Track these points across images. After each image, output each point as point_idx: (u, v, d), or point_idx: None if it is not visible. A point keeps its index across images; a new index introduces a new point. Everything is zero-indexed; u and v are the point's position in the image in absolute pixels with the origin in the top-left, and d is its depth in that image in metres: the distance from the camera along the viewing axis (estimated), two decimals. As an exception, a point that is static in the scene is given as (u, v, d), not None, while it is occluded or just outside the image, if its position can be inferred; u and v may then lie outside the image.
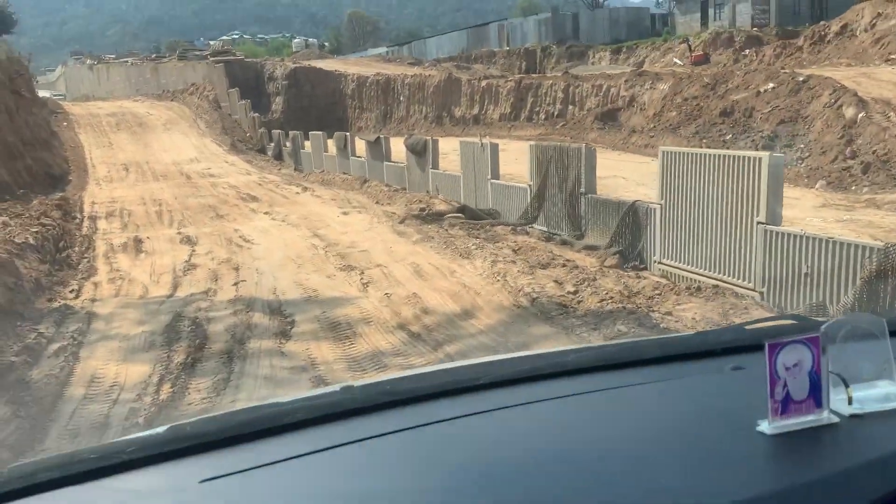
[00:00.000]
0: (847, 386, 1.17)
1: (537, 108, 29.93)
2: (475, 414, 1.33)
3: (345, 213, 15.44)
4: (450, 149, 18.82)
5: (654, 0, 66.80)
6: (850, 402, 1.17)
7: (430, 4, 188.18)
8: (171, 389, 5.42)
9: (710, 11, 48.60)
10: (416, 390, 1.45)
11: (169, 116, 38.49)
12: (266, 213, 16.34)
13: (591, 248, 10.95)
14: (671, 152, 9.92)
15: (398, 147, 21.43)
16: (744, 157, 8.71)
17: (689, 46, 39.77)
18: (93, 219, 16.65)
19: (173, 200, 19.23)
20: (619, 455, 1.17)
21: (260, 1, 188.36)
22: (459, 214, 13.65)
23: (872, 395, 1.19)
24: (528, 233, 12.45)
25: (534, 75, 35.22)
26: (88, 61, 65.97)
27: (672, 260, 9.65)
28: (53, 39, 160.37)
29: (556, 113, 28.82)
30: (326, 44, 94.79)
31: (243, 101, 37.70)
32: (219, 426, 1.36)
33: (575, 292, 6.94)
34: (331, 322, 7.07)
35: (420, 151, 18.44)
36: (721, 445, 1.16)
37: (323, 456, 1.21)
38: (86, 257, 11.63)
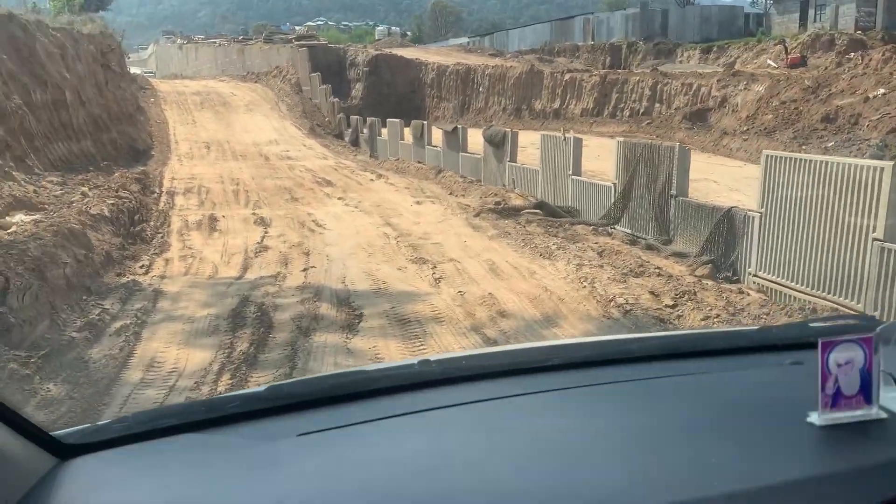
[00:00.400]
0: None
1: (622, 105, 28.91)
2: (542, 392, 1.41)
3: (418, 203, 15.07)
4: (528, 142, 18.24)
5: (750, -1, 64.07)
6: None
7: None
8: (231, 381, 5.11)
9: (811, 12, 46.16)
10: (488, 367, 1.54)
11: (252, 98, 39.03)
12: (340, 198, 16.15)
13: (679, 255, 10.23)
14: (776, 157, 9.10)
15: (475, 138, 20.96)
16: (861, 166, 7.86)
17: (786, 48, 37.87)
18: (171, 194, 16.82)
19: (251, 181, 19.30)
20: (675, 436, 1.24)
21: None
22: (537, 210, 13.06)
23: None
24: (610, 234, 11.79)
25: (620, 71, 34.11)
26: (178, 41, 67.91)
27: (770, 273, 8.86)
28: (148, 18, 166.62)
29: (641, 110, 27.77)
30: (409, 33, 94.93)
31: (324, 86, 37.87)
32: (312, 388, 1.50)
33: (674, 306, 6.29)
34: (400, 318, 6.65)
35: (498, 143, 17.92)
36: (772, 433, 1.22)
37: (403, 420, 1.33)
38: (160, 232, 11.60)
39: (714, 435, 1.24)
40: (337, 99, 36.75)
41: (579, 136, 17.21)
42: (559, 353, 1.64)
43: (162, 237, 11.25)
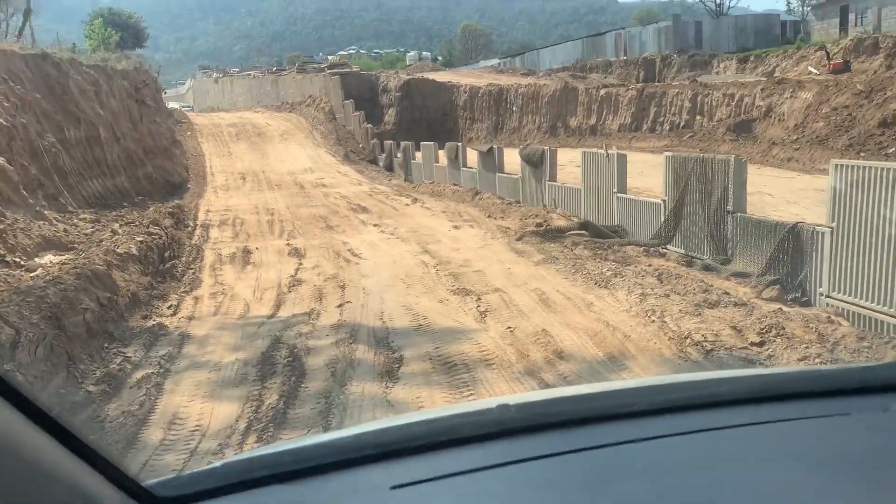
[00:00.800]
0: None
1: (661, 119, 28.13)
2: (631, 442, 1.34)
3: (456, 227, 14.51)
4: (566, 160, 17.64)
5: (785, 6, 62.76)
6: None
7: (542, 17, 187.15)
8: (257, 444, 4.54)
9: (851, 16, 44.99)
10: (572, 413, 1.46)
11: (286, 127, 39.17)
12: (375, 225, 15.68)
13: (741, 276, 9.47)
14: (847, 166, 8.32)
15: (511, 158, 20.45)
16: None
17: (827, 53, 36.76)
18: (205, 227, 16.54)
19: (285, 210, 19.01)
20: (791, 491, 1.16)
21: (376, 17, 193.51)
22: (582, 231, 12.39)
23: None
24: (663, 255, 11.06)
25: (657, 83, 33.32)
26: (214, 75, 69.08)
27: (846, 294, 8.05)
28: (185, 54, 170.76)
29: (681, 123, 26.96)
30: (440, 57, 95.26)
31: (357, 113, 37.83)
32: (397, 436, 1.41)
33: (761, 343, 5.52)
34: (445, 361, 6.01)
35: (536, 162, 17.34)
36: (891, 486, 1.14)
37: (496, 472, 1.27)
38: (192, 268, 11.21)
39: (834, 488, 1.15)
40: (370, 125, 36.64)
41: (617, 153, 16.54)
42: (644, 396, 1.53)
43: (193, 273, 10.85)
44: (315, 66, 53.87)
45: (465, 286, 8.71)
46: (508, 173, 19.44)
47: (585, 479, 1.24)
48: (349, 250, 12.48)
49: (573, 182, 16.97)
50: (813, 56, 38.92)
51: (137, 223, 12.33)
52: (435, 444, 1.36)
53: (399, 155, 28.61)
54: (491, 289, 8.41)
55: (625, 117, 29.90)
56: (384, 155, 30.57)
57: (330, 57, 76.67)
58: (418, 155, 26.40)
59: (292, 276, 10.27)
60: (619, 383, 2.27)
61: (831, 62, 34.84)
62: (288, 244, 13.49)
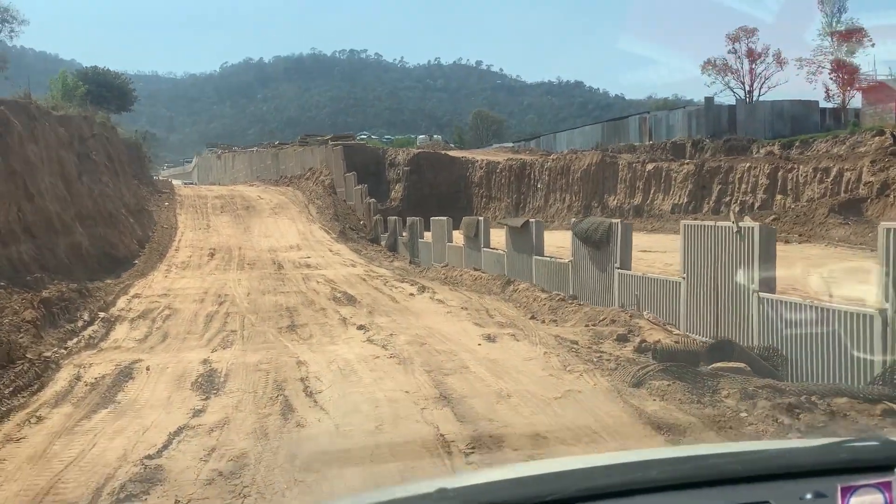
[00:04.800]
0: None
1: (727, 198, 22.94)
2: None
3: (489, 339, 8.96)
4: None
5: (824, 93, 58.90)
6: None
7: (550, 111, 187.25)
8: None
9: (909, 100, 40.97)
10: (510, 498, 1.38)
11: (279, 200, 34.70)
12: (361, 326, 10.19)
13: None
14: None
15: (549, 238, 15.20)
16: None
17: (894, 137, 32.33)
18: (111, 322, 11.16)
19: (244, 298, 13.73)
20: None
21: (388, 106, 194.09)
22: (740, 364, 6.77)
23: None
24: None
25: (722, 157, 28.35)
26: (219, 151, 66.05)
27: None
28: (201, 136, 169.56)
29: (756, 204, 21.74)
30: (452, 144, 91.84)
31: (360, 186, 33.11)
32: None
33: None
34: None
35: (598, 241, 12.04)
36: None
37: None
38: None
39: None
40: (374, 200, 31.73)
41: (674, 237, 11.24)
42: (573, 482, 1.41)
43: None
44: (318, 138, 49.68)
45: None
46: (549, 256, 14.20)
47: None
48: (301, 379, 6.95)
49: (654, 271, 11.59)
50: (870, 142, 34.56)
51: None
52: None
53: (405, 233, 23.58)
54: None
55: (679, 196, 24.78)
56: (388, 233, 25.55)
57: (340, 141, 73.00)
58: (427, 235, 21.33)
59: (150, 456, 4.68)
60: (547, 464, 1.89)
61: (898, 146, 30.42)
62: (205, 362, 7.95)
